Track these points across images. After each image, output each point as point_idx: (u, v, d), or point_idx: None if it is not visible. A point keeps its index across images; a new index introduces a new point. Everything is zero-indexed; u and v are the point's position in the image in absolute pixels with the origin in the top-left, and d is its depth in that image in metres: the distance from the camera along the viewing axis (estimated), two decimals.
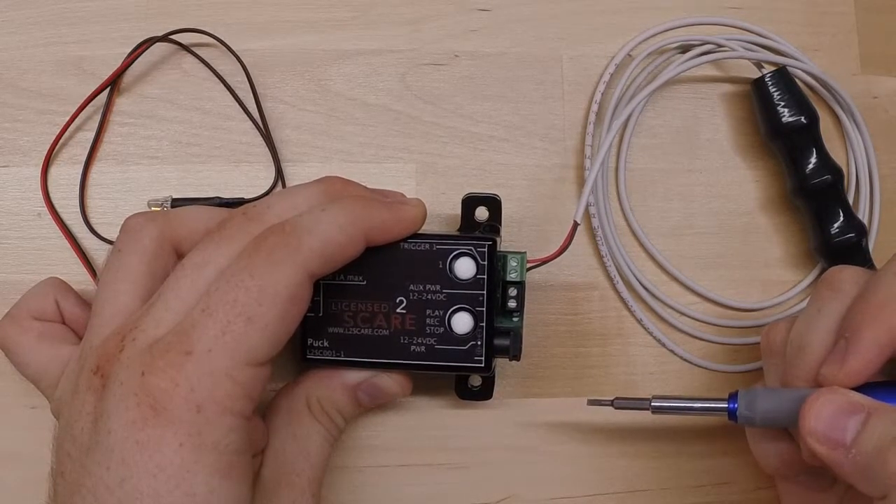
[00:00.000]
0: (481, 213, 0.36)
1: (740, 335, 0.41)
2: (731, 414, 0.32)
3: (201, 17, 0.40)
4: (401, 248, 0.33)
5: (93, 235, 0.38)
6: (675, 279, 0.41)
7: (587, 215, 0.40)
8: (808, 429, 0.28)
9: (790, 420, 0.30)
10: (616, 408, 0.35)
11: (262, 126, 0.39)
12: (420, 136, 0.40)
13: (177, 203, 0.38)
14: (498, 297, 0.34)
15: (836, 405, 0.28)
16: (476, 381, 0.37)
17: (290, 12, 0.41)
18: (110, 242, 0.38)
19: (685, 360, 0.40)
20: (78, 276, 0.37)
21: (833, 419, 0.28)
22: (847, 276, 0.32)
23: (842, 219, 0.40)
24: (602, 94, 0.41)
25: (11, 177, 0.39)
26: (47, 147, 0.38)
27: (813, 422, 0.28)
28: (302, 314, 0.29)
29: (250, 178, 0.39)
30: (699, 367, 0.40)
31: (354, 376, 0.34)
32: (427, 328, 0.33)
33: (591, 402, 0.35)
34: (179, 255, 0.31)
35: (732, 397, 0.32)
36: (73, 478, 0.27)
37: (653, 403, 0.34)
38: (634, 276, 0.40)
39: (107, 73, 0.38)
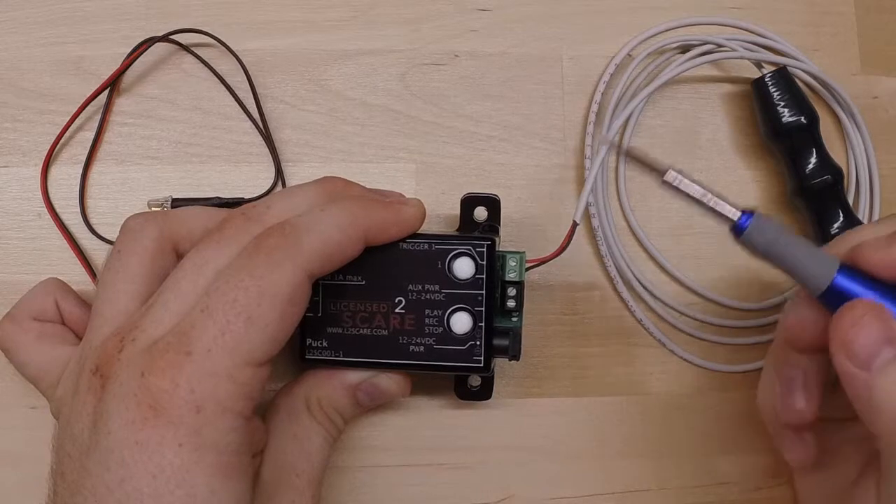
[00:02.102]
0: (480, 212, 0.36)
1: (740, 335, 0.41)
2: (738, 228, 0.29)
3: (201, 17, 0.40)
4: (400, 248, 0.33)
5: (93, 235, 0.38)
6: (675, 279, 0.41)
7: (587, 215, 0.40)
8: (841, 337, 0.28)
9: (790, 265, 0.29)
10: (628, 155, 0.31)
11: (262, 126, 0.39)
12: (420, 136, 0.40)
13: (177, 203, 0.38)
14: (497, 296, 0.34)
15: (877, 326, 0.27)
16: (475, 380, 0.37)
17: (290, 12, 0.41)
18: (110, 242, 0.38)
19: (685, 360, 0.40)
20: (78, 277, 0.37)
21: (869, 339, 0.27)
22: None
23: (842, 219, 0.40)
24: (602, 94, 0.41)
25: (11, 177, 0.39)
26: (47, 147, 0.38)
27: (851, 334, 0.27)
28: (301, 314, 0.29)
29: (250, 178, 0.39)
30: (699, 367, 0.40)
31: (354, 376, 0.34)
32: (426, 328, 0.33)
33: (602, 141, 0.32)
34: (179, 256, 0.31)
35: (747, 214, 0.29)
36: (73, 478, 0.27)
37: (668, 174, 0.29)
38: (634, 276, 0.40)
39: (107, 73, 0.38)
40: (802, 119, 0.39)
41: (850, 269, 0.29)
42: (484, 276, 0.33)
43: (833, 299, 0.29)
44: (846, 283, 0.29)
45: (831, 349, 0.28)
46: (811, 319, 0.30)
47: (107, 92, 0.39)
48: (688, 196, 0.30)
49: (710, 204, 0.29)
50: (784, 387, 0.32)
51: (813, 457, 0.33)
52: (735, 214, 0.29)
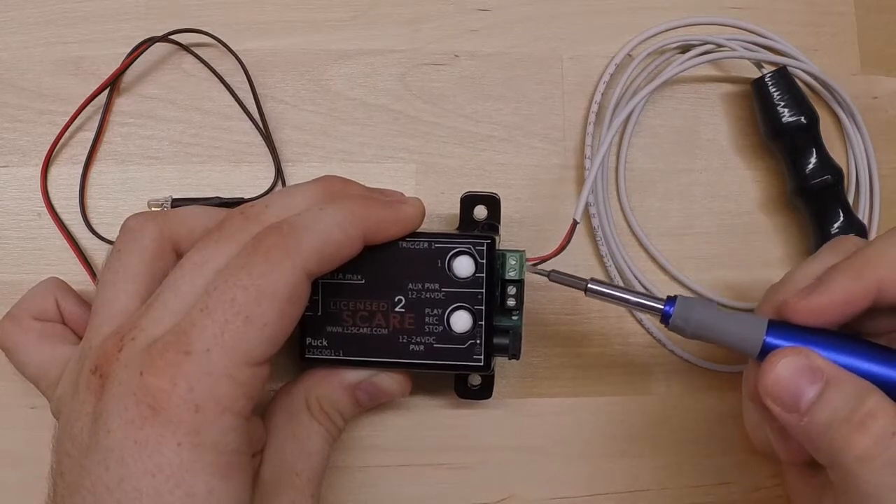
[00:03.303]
0: (480, 211, 0.36)
1: None
2: (665, 317, 0.31)
3: (201, 17, 0.40)
4: (399, 247, 0.33)
5: (92, 235, 0.38)
6: (675, 279, 0.41)
7: (587, 215, 0.40)
8: (765, 386, 0.28)
9: (722, 339, 0.30)
10: (551, 279, 0.33)
11: (262, 126, 0.39)
12: (420, 136, 0.40)
13: (177, 203, 0.38)
14: (497, 295, 0.34)
15: (797, 367, 0.28)
16: (476, 380, 0.37)
17: (290, 12, 0.41)
18: (110, 242, 0.38)
19: (685, 360, 0.40)
20: (78, 276, 0.37)
21: (792, 381, 0.28)
22: (851, 239, 0.33)
23: (842, 219, 0.40)
24: (602, 94, 0.41)
25: (11, 177, 0.39)
26: (47, 147, 0.38)
27: (771, 381, 0.28)
28: (300, 313, 0.29)
29: (250, 178, 0.39)
30: (699, 367, 0.40)
31: (353, 376, 0.34)
32: (426, 327, 0.33)
33: (531, 269, 0.34)
34: (179, 255, 0.31)
35: (671, 301, 0.31)
36: (73, 477, 0.27)
37: (589, 286, 0.32)
38: (634, 276, 0.40)
39: (107, 73, 0.38)
40: (802, 119, 0.39)
41: (779, 325, 0.30)
42: (484, 275, 0.33)
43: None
44: (777, 340, 0.30)
45: (764, 401, 0.29)
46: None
47: (107, 92, 0.39)
48: (613, 298, 0.32)
49: (634, 300, 0.32)
50: (779, 437, 0.32)
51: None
52: (658, 304, 0.31)
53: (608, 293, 0.32)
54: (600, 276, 0.40)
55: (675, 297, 0.31)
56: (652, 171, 0.41)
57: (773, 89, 0.40)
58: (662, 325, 0.31)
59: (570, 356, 0.40)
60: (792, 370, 0.28)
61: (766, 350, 0.30)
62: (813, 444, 0.28)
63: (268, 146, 0.39)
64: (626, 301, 0.32)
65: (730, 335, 0.30)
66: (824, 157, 0.40)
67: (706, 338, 0.31)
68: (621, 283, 0.32)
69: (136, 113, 0.39)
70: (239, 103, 0.39)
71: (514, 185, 0.40)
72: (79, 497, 0.26)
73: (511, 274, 0.35)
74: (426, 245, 0.33)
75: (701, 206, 0.41)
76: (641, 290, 0.32)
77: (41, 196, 0.38)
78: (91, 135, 0.39)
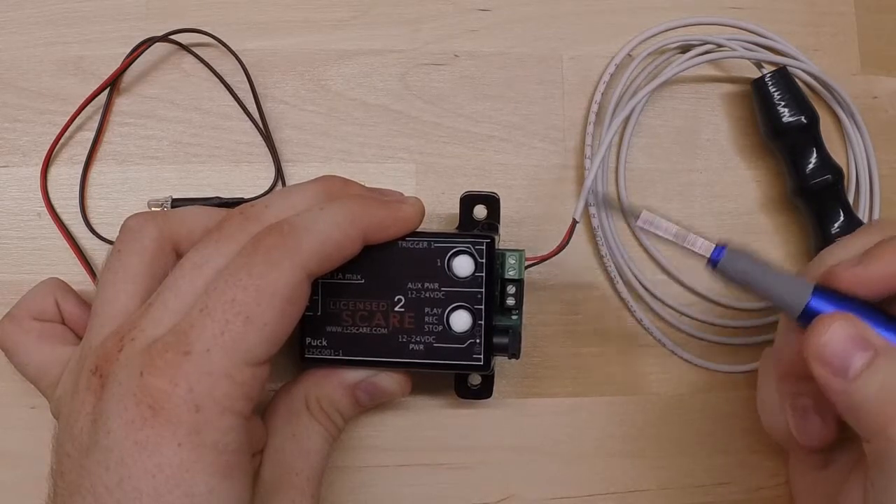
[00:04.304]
0: (480, 211, 0.36)
1: (740, 335, 0.41)
2: (712, 261, 0.31)
3: (201, 17, 0.40)
4: (399, 247, 0.33)
5: (92, 235, 0.38)
6: (675, 279, 0.41)
7: (587, 215, 0.40)
8: (814, 348, 0.28)
9: (766, 292, 0.30)
10: (603, 203, 0.33)
11: (262, 126, 0.39)
12: (420, 136, 0.40)
13: (177, 203, 0.38)
14: (497, 295, 0.34)
15: (848, 333, 0.28)
16: (476, 379, 0.37)
17: (290, 12, 0.41)
18: (110, 242, 0.38)
19: (685, 360, 0.40)
20: (78, 276, 0.37)
21: (842, 346, 0.28)
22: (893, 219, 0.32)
23: (842, 219, 0.40)
24: (602, 94, 0.41)
25: (11, 177, 0.39)
26: (47, 147, 0.38)
27: (822, 343, 0.28)
28: (300, 313, 0.29)
29: (250, 178, 0.39)
30: (699, 367, 0.40)
31: (353, 375, 0.34)
32: (426, 326, 0.33)
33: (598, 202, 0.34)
34: (179, 255, 0.31)
35: (720, 247, 0.31)
36: (73, 478, 0.27)
37: (639, 222, 0.32)
38: (634, 276, 0.40)
39: (107, 73, 0.38)
40: (802, 119, 0.39)
41: (824, 290, 0.30)
42: (483, 274, 0.33)
43: (809, 319, 0.30)
44: (821, 304, 0.30)
45: (808, 362, 0.29)
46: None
47: (107, 92, 0.39)
48: (661, 235, 0.32)
49: (684, 242, 0.31)
50: (798, 416, 0.32)
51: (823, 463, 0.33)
52: (708, 248, 0.31)
53: (656, 231, 0.32)
54: (601, 276, 0.40)
55: (727, 243, 0.31)
56: (652, 171, 0.41)
57: (773, 89, 0.40)
58: (708, 269, 0.31)
59: (570, 356, 0.40)
60: (844, 335, 0.28)
61: (808, 313, 0.30)
62: (855, 412, 0.28)
63: (268, 146, 0.39)
64: (675, 242, 0.31)
65: (774, 291, 0.30)
66: (824, 157, 0.40)
67: (750, 288, 0.31)
68: (672, 225, 0.31)
69: (136, 113, 0.39)
70: (239, 103, 0.39)
71: (514, 185, 0.40)
72: (79, 497, 0.26)
73: (511, 273, 0.35)
74: (426, 245, 0.33)
75: (701, 206, 0.41)
76: (691, 231, 0.31)
77: (41, 196, 0.38)
78: (91, 135, 0.39)
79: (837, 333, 0.28)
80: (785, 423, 0.33)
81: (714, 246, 0.31)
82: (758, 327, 0.41)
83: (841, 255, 0.31)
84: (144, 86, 0.40)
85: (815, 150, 0.40)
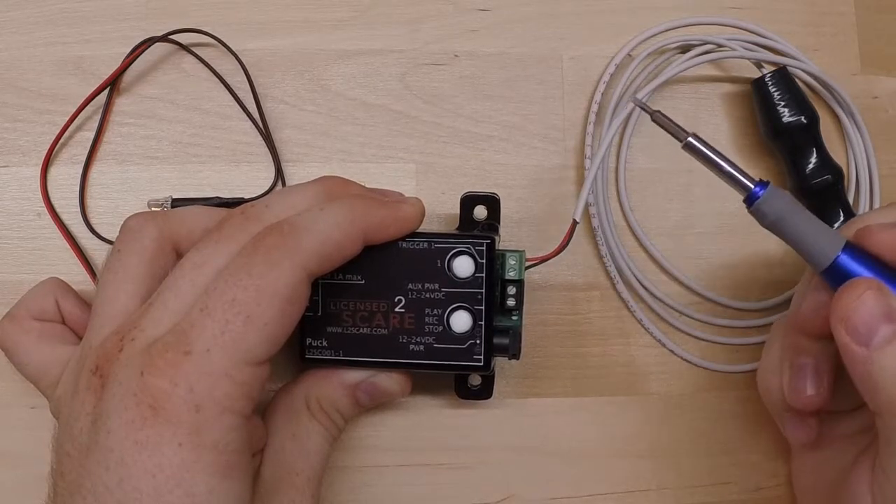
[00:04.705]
0: (480, 211, 0.36)
1: (740, 335, 0.41)
2: (750, 198, 0.30)
3: (201, 17, 0.40)
4: (399, 247, 0.33)
5: (92, 235, 0.38)
6: (675, 279, 0.41)
7: (587, 215, 0.40)
8: (843, 310, 0.28)
9: (797, 238, 0.30)
10: (653, 120, 0.32)
11: (262, 126, 0.39)
12: (420, 136, 0.40)
13: (177, 203, 0.38)
14: (497, 295, 0.34)
15: (876, 303, 0.28)
16: (476, 380, 0.37)
17: (290, 12, 0.41)
18: (110, 242, 0.38)
19: (685, 360, 0.40)
20: (78, 276, 0.37)
21: (871, 314, 0.28)
22: None
23: (842, 218, 0.40)
24: (602, 94, 0.41)
25: (11, 177, 0.39)
26: (47, 147, 0.38)
27: (851, 308, 0.28)
28: (300, 313, 0.29)
29: (250, 178, 0.39)
30: (699, 367, 0.40)
31: (353, 376, 0.34)
32: (426, 327, 0.33)
33: (636, 102, 0.33)
34: (179, 255, 0.31)
35: (762, 184, 0.30)
36: (73, 478, 0.27)
37: (689, 139, 0.31)
38: (634, 276, 0.40)
39: (107, 73, 0.38)
40: (802, 119, 0.39)
41: (855, 248, 0.30)
42: (483, 275, 0.33)
43: (837, 277, 0.29)
44: (850, 262, 0.29)
45: (832, 323, 0.28)
46: (823, 303, 0.31)
47: (107, 92, 0.39)
48: (707, 160, 0.31)
49: (727, 170, 0.31)
50: (794, 373, 0.32)
51: (814, 438, 0.33)
52: (749, 184, 0.30)
53: (704, 153, 0.31)
54: (601, 276, 0.40)
55: (768, 182, 0.30)
56: (652, 171, 0.41)
57: (773, 89, 0.40)
58: (745, 206, 0.31)
59: (570, 356, 0.40)
60: (874, 304, 0.28)
61: (835, 267, 0.29)
62: (872, 383, 0.28)
63: (268, 146, 0.39)
64: (720, 168, 0.31)
65: (807, 238, 0.30)
66: (824, 157, 0.40)
67: (781, 231, 0.30)
68: (717, 153, 0.31)
69: (136, 113, 0.39)
70: (239, 103, 0.39)
71: (514, 185, 0.40)
72: (79, 497, 0.26)
73: (511, 274, 0.35)
74: (426, 245, 0.33)
75: (701, 206, 0.41)
76: (735, 164, 0.31)
77: (41, 196, 0.38)
78: (91, 135, 0.39)
79: (868, 302, 0.28)
80: (780, 388, 0.33)
81: (755, 183, 0.30)
82: (758, 327, 0.41)
83: (879, 219, 0.31)
84: (144, 86, 0.40)
85: (815, 150, 0.40)
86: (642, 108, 0.33)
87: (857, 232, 0.30)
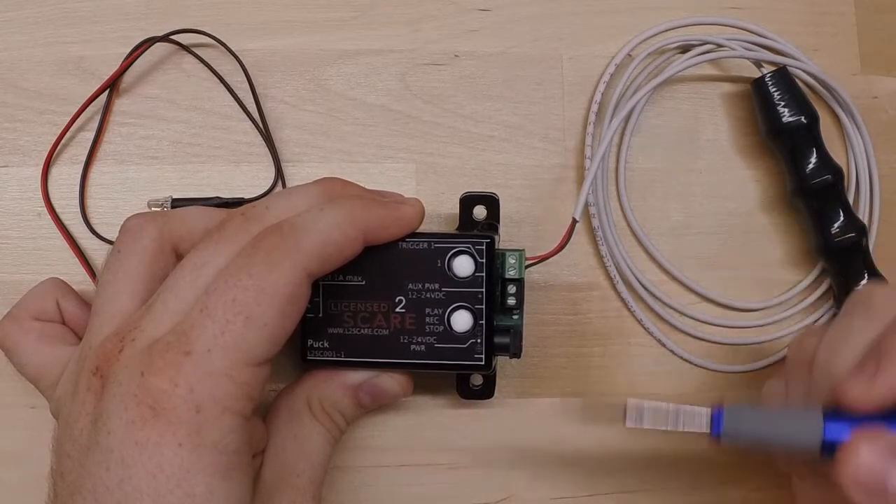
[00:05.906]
0: (479, 211, 0.36)
1: (740, 335, 0.41)
2: (714, 429, 0.30)
3: (201, 17, 0.40)
4: (399, 248, 0.33)
5: (93, 235, 0.38)
6: (675, 279, 0.41)
7: (587, 215, 0.40)
8: (848, 478, 0.27)
9: (779, 443, 0.29)
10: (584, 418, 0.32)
11: (262, 126, 0.39)
12: (420, 136, 0.40)
13: (177, 203, 0.38)
14: (497, 294, 0.34)
15: (878, 450, 0.27)
16: (477, 379, 0.37)
17: (290, 12, 0.41)
18: (110, 242, 0.38)
19: (685, 360, 0.40)
20: (78, 277, 0.37)
21: (873, 467, 0.27)
22: (882, 297, 0.31)
23: (842, 218, 0.40)
24: (602, 94, 0.41)
25: (11, 177, 0.39)
26: (47, 147, 0.38)
27: (853, 473, 0.27)
28: (301, 314, 0.29)
29: (250, 178, 0.39)
30: (699, 367, 0.40)
31: (355, 377, 0.34)
32: (427, 327, 0.33)
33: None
34: (179, 256, 0.31)
35: (716, 418, 0.30)
36: (73, 478, 0.27)
37: (626, 424, 0.31)
38: (634, 276, 0.40)
39: (107, 73, 0.38)
40: (802, 119, 0.39)
41: (834, 414, 0.29)
42: (484, 274, 0.33)
43: (830, 449, 0.29)
44: (837, 429, 0.29)
45: (846, 492, 0.27)
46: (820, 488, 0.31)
47: (107, 92, 0.39)
48: (657, 426, 0.31)
49: (679, 423, 0.31)
50: None
51: None
52: (704, 419, 0.30)
53: (649, 422, 0.31)
54: (601, 276, 0.40)
55: (720, 411, 0.30)
56: (652, 171, 0.41)
57: (773, 89, 0.40)
58: (714, 441, 0.30)
59: (570, 356, 0.40)
60: (871, 457, 0.27)
61: (827, 445, 0.29)
62: None
63: (268, 146, 0.39)
64: (670, 423, 0.31)
65: (787, 439, 0.29)
66: (824, 157, 0.40)
67: (763, 447, 0.30)
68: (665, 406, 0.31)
69: (136, 113, 0.39)
70: (239, 103, 0.39)
71: (514, 185, 0.40)
72: (79, 497, 0.26)
73: (511, 273, 0.35)
74: (426, 245, 0.33)
75: (701, 206, 0.41)
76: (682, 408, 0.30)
77: (41, 196, 0.38)
78: (91, 135, 0.39)
79: (868, 455, 0.27)
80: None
81: (709, 413, 0.30)
82: (758, 327, 0.41)
83: (845, 360, 0.30)
84: (144, 86, 0.40)
85: (815, 150, 0.40)
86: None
87: (829, 398, 0.30)
